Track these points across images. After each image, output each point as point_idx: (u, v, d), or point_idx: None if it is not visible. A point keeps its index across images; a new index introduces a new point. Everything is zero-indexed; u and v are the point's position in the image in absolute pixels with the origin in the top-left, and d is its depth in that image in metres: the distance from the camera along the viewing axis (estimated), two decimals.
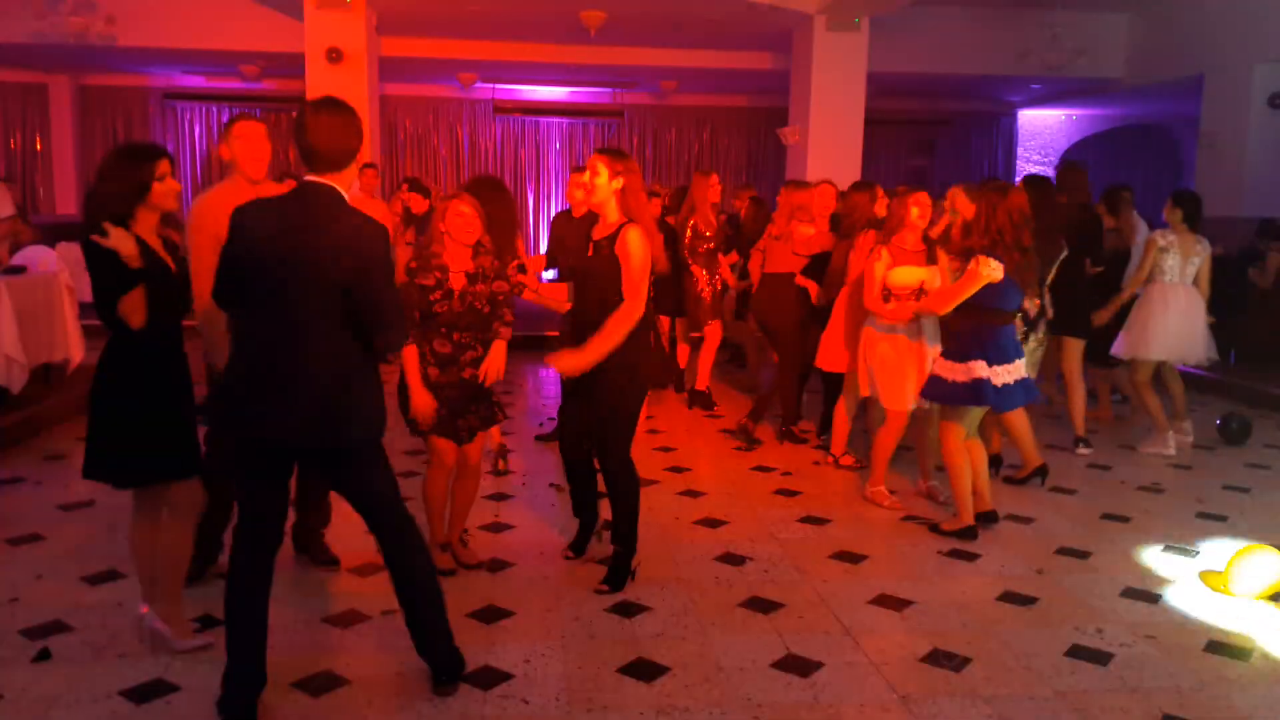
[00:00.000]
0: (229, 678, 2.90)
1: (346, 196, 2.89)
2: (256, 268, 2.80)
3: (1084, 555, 4.45)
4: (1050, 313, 5.70)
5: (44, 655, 3.29)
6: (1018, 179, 15.27)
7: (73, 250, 10.17)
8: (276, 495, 2.98)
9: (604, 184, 3.79)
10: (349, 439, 2.90)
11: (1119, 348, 6.27)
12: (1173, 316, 6.09)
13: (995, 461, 5.64)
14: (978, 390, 4.43)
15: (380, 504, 3.02)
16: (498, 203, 4.92)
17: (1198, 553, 4.49)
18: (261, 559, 2.94)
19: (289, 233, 2.78)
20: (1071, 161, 7.52)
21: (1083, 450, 6.18)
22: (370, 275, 2.81)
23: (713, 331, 7.26)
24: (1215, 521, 4.96)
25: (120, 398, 3.10)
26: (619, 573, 3.96)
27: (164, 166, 3.12)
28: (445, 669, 3.11)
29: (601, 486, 4.07)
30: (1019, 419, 5.33)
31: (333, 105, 2.87)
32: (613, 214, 3.84)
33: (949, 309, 4.48)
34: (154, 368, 3.14)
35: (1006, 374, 4.49)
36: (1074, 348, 6.19)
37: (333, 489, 3.07)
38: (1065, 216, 5.91)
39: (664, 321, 7.16)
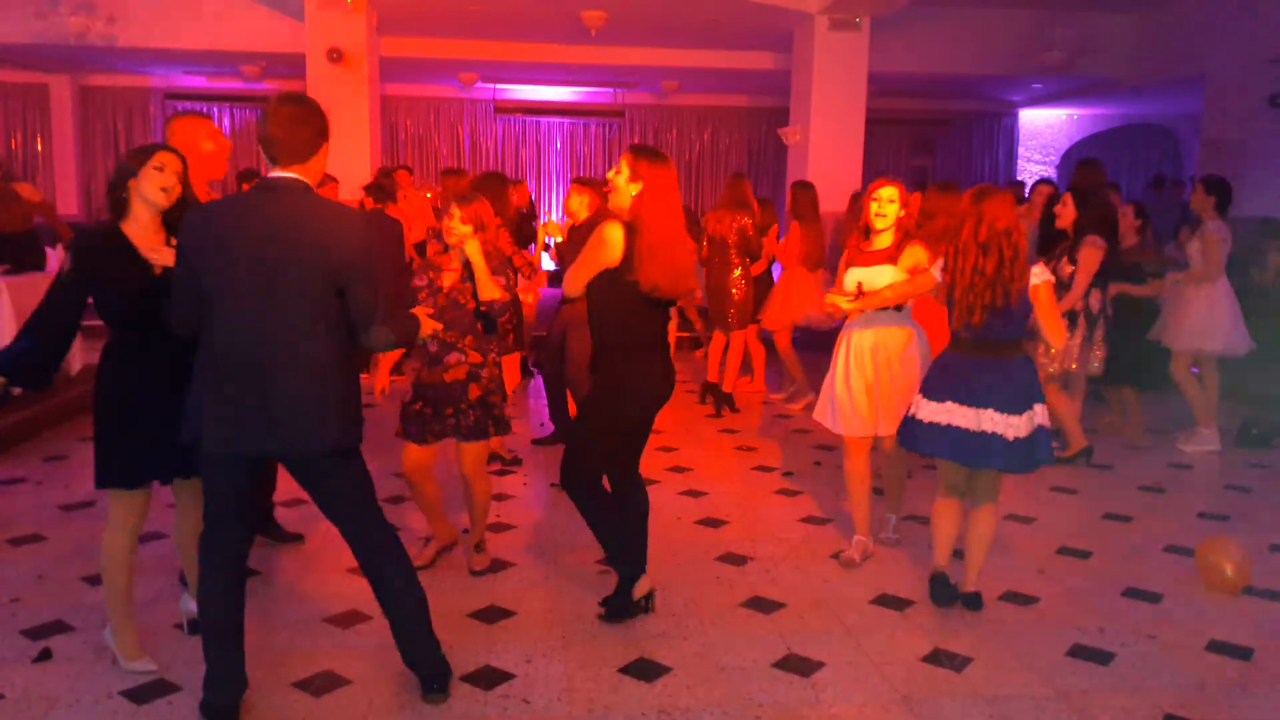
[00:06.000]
0: (210, 681, 2.88)
1: (314, 189, 2.82)
2: (229, 269, 2.67)
3: (1085, 555, 4.44)
4: (1110, 311, 5.65)
5: (45, 655, 3.30)
6: (1019, 178, 15.30)
7: None
8: (250, 499, 2.94)
9: (622, 184, 3.44)
10: (330, 444, 2.80)
11: (1182, 341, 6.13)
12: (1232, 309, 6.08)
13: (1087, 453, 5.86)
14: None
15: (355, 512, 2.95)
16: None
17: None
18: (237, 561, 2.90)
19: (265, 227, 2.68)
20: (1089, 159, 7.45)
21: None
22: (358, 266, 2.74)
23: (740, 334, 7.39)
24: (1216, 521, 4.96)
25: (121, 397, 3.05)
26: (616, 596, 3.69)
27: (161, 158, 3.00)
28: (433, 677, 3.05)
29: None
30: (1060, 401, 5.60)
31: (295, 98, 2.82)
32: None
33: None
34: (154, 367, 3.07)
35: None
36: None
37: (308, 493, 2.97)
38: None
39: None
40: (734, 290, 7.10)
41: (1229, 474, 5.85)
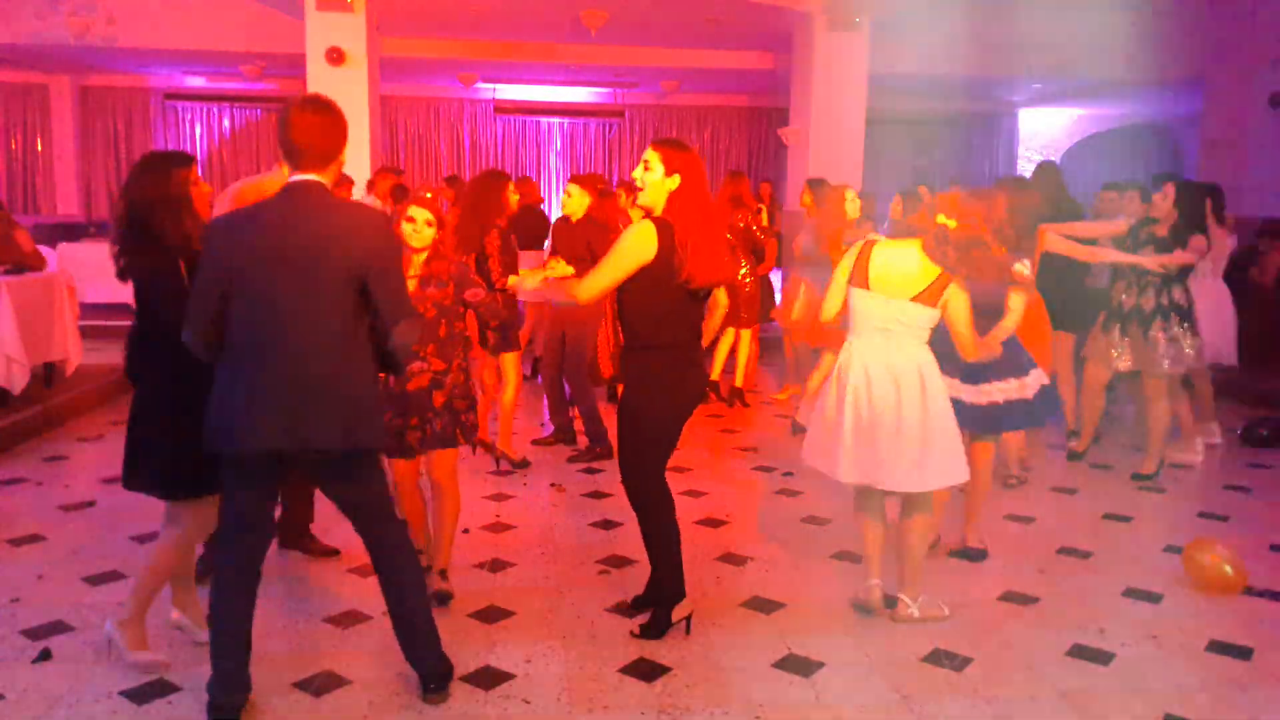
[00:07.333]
0: (216, 684, 2.88)
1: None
2: (254, 275, 2.71)
3: (1085, 555, 4.44)
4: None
5: (45, 655, 3.29)
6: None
7: (73, 250, 10.15)
8: (270, 503, 2.97)
9: (656, 181, 3.27)
10: (364, 442, 2.85)
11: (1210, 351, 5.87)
12: (1232, 317, 6.05)
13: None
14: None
15: (373, 511, 2.98)
16: (471, 193, 5.01)
17: None
18: (251, 566, 2.91)
19: (287, 230, 2.72)
20: (1046, 161, 7.43)
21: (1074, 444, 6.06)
22: (381, 264, 2.79)
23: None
24: (1216, 521, 4.96)
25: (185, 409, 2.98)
26: (654, 620, 3.53)
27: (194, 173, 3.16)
28: (433, 676, 3.06)
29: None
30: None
31: (317, 104, 2.85)
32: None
33: None
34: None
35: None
36: (1065, 341, 6.00)
37: (326, 494, 3.02)
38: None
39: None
40: (743, 287, 7.15)
41: (1229, 474, 5.84)
